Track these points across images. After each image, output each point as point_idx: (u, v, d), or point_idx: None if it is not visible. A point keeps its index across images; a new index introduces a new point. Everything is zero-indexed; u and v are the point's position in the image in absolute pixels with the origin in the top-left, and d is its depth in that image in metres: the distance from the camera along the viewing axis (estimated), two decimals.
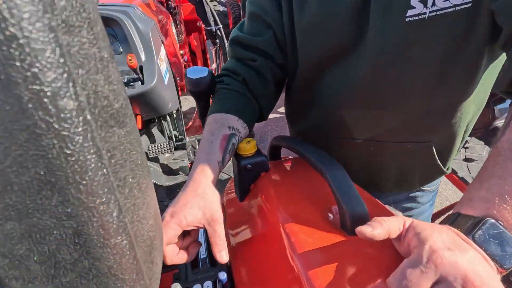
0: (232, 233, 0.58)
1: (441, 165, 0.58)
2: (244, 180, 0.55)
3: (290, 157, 0.70)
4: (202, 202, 0.41)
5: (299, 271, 0.32)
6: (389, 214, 0.40)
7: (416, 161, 0.58)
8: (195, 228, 0.41)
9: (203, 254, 0.56)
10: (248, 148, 0.54)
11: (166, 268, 0.65)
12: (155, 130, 1.49)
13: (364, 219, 0.35)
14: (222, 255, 0.39)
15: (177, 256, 0.41)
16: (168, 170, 1.45)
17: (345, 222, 0.36)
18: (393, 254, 0.31)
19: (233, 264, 0.51)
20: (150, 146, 1.36)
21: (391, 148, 0.57)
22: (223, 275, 0.39)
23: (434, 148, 0.56)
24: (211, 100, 0.62)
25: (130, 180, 0.18)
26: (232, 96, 0.57)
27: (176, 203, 0.41)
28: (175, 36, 1.85)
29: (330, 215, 0.40)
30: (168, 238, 0.39)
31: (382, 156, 0.59)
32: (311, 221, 0.39)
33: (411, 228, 0.29)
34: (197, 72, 0.57)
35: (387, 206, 0.45)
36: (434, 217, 1.21)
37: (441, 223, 0.32)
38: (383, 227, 0.29)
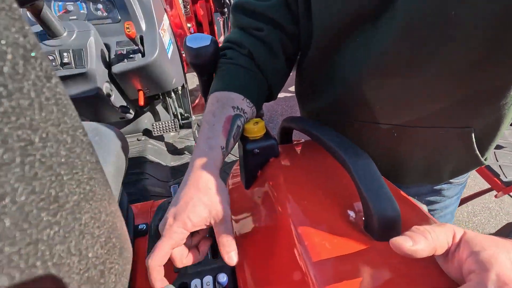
0: (235, 222, 0.53)
1: (479, 155, 0.50)
2: (251, 165, 0.49)
3: (302, 140, 0.63)
4: (206, 198, 0.36)
5: (313, 285, 0.26)
6: (424, 217, 0.33)
7: (449, 150, 0.50)
8: (203, 228, 0.37)
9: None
10: (255, 130, 0.47)
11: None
12: (159, 108, 1.43)
13: (395, 224, 0.28)
14: (231, 257, 0.35)
15: (187, 257, 0.38)
16: (173, 150, 1.41)
17: (371, 224, 0.30)
18: (434, 271, 0.25)
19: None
20: (155, 124, 1.31)
21: (420, 134, 0.49)
22: (223, 277, 0.34)
23: (473, 135, 0.47)
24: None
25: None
26: (237, 71, 0.49)
27: (177, 201, 0.36)
28: (181, 6, 1.72)
29: (351, 213, 0.34)
30: (175, 242, 0.35)
31: (408, 144, 0.51)
32: (328, 220, 0.33)
33: (464, 242, 0.22)
34: (198, 40, 0.49)
35: (415, 201, 0.38)
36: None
37: (496, 234, 0.25)
38: (428, 241, 0.22)
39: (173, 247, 0.35)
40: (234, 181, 0.64)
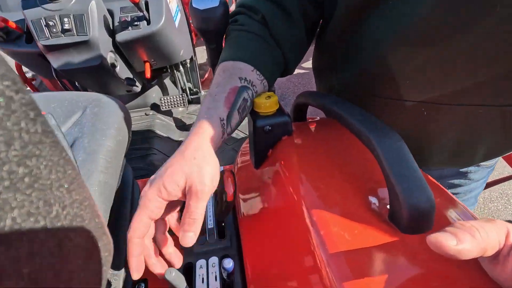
0: (243, 203, 0.50)
1: None
2: (261, 144, 0.45)
3: (318, 118, 0.58)
4: (187, 167, 0.32)
5: (330, 282, 0.23)
6: (461, 209, 0.29)
7: (486, 130, 0.45)
8: (180, 199, 0.32)
9: (210, 224, 0.50)
10: (267, 105, 0.42)
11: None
12: (167, 81, 1.38)
13: (429, 216, 0.24)
14: (186, 237, 0.30)
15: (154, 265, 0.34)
16: (181, 125, 1.38)
17: (398, 214, 0.26)
18: (474, 273, 0.21)
19: (244, 241, 0.44)
20: (163, 99, 1.27)
21: (452, 113, 0.44)
22: (228, 263, 0.32)
23: None
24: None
25: None
26: (248, 40, 0.44)
27: (160, 168, 0.33)
28: None
29: (373, 199, 0.30)
30: (151, 211, 0.31)
31: (438, 123, 0.46)
32: (347, 207, 0.29)
33: None
34: (206, 0, 0.43)
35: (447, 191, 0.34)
36: None
37: None
38: (476, 240, 0.18)
39: (150, 218, 0.31)
40: (243, 159, 0.61)
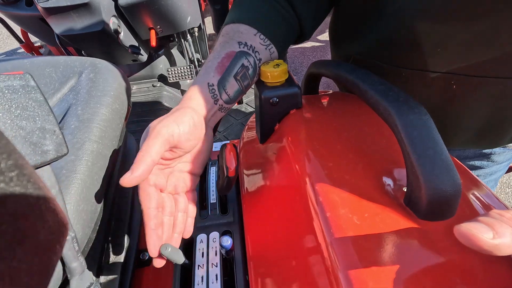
0: (247, 178, 0.48)
1: None
2: (267, 117, 0.42)
3: (331, 91, 0.53)
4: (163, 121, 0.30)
5: (334, 269, 0.21)
6: (491, 197, 0.26)
7: None
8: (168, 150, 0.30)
9: (212, 199, 0.48)
10: (275, 74, 0.38)
11: None
12: (175, 51, 1.33)
13: (453, 203, 0.21)
14: (135, 171, 0.27)
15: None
16: None
17: (416, 198, 0.23)
18: (500, 268, 0.19)
19: (245, 217, 0.42)
20: (170, 70, 1.23)
21: (483, 87, 0.39)
22: (226, 241, 0.30)
23: None
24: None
25: None
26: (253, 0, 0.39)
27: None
28: None
29: (388, 180, 0.27)
30: (165, 139, 0.29)
31: (466, 99, 0.41)
32: (357, 187, 0.26)
33: None
34: None
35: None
36: None
37: None
38: None
39: (162, 148, 0.29)
40: (249, 134, 0.58)
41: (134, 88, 1.23)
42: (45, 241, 0.08)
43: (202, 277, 0.36)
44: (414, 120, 0.23)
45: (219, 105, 0.36)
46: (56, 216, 0.09)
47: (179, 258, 0.32)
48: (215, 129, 0.41)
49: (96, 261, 0.39)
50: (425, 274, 0.19)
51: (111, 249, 0.45)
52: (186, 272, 0.38)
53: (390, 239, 0.21)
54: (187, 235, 0.34)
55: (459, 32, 0.34)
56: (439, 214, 0.22)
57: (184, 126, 0.30)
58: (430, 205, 0.21)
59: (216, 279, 0.36)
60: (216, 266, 0.37)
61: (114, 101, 0.37)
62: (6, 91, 0.19)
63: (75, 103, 0.35)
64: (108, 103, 0.36)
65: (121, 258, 0.44)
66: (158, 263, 0.30)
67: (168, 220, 0.32)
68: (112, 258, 0.44)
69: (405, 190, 0.25)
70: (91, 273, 0.28)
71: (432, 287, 0.18)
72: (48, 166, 0.23)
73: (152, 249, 0.29)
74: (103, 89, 0.37)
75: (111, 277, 0.42)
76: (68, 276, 0.26)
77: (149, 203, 0.29)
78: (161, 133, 0.28)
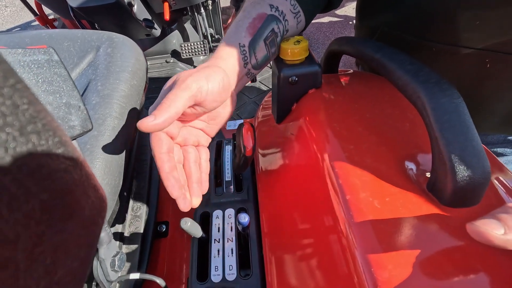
0: (262, 158, 0.48)
1: None
2: (285, 96, 0.41)
3: (351, 70, 0.51)
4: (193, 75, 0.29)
5: (352, 252, 0.21)
6: None
7: None
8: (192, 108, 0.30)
9: (227, 176, 0.49)
10: (296, 51, 0.37)
11: None
12: (188, 26, 1.30)
13: (479, 191, 0.21)
14: (158, 117, 0.26)
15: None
16: None
17: (440, 185, 0.22)
18: None
19: (260, 195, 0.43)
20: (183, 45, 1.20)
21: None
22: (244, 218, 0.31)
23: None
24: None
25: None
26: None
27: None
28: None
29: (411, 165, 0.26)
30: (192, 94, 0.27)
31: (499, 79, 0.38)
32: (378, 171, 0.26)
33: None
34: None
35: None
36: None
37: None
38: None
39: (188, 102, 0.27)
40: (264, 113, 0.57)
41: (147, 64, 1.23)
42: (90, 215, 0.09)
43: (218, 250, 0.38)
44: (446, 104, 0.22)
45: (247, 69, 0.34)
46: (97, 192, 0.09)
47: (197, 232, 0.33)
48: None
49: (119, 231, 0.42)
50: (446, 260, 0.19)
51: (131, 221, 0.47)
52: (203, 245, 0.39)
53: (411, 224, 0.21)
54: (204, 190, 0.33)
55: (502, 3, 0.31)
56: (464, 202, 0.22)
57: (213, 85, 0.29)
58: (456, 192, 0.21)
59: (232, 253, 0.37)
60: (232, 241, 0.38)
61: (132, 77, 0.37)
62: (33, 66, 0.20)
63: (94, 79, 0.35)
64: (127, 79, 0.36)
65: (140, 229, 0.47)
66: (182, 206, 0.30)
67: (179, 167, 0.32)
68: (133, 229, 0.46)
69: (429, 175, 0.25)
70: (116, 242, 0.29)
71: (452, 274, 0.18)
72: (74, 141, 0.24)
73: (172, 191, 0.29)
74: (121, 64, 0.37)
75: (132, 247, 0.45)
76: (97, 245, 0.27)
77: (160, 147, 0.28)
78: (190, 87, 0.27)
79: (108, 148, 0.30)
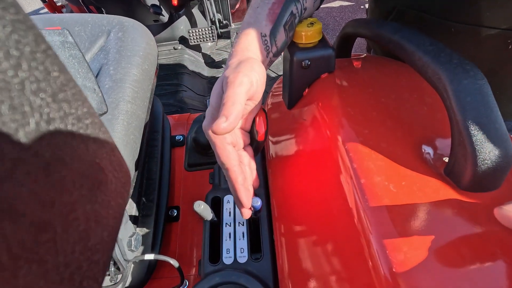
0: (273, 144, 0.48)
1: None
2: (297, 81, 0.40)
3: (365, 54, 0.50)
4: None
5: (367, 237, 0.21)
6: None
7: None
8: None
9: None
10: (309, 34, 0.36)
11: (202, 165, 0.63)
12: (196, 12, 1.28)
13: (500, 175, 0.20)
14: (229, 118, 0.26)
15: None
16: (210, 62, 1.32)
17: (459, 168, 0.22)
18: None
19: (271, 181, 0.43)
20: (191, 31, 1.19)
21: None
22: (256, 201, 0.31)
23: None
24: None
25: None
26: None
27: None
28: None
29: (428, 149, 0.26)
30: (248, 88, 0.27)
31: None
32: (394, 155, 0.25)
33: None
34: None
35: None
36: None
37: None
38: None
39: (245, 98, 0.27)
40: (274, 100, 0.57)
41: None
42: (116, 188, 0.09)
43: (230, 234, 0.38)
44: (469, 85, 0.21)
45: (269, 58, 0.33)
46: (122, 166, 0.10)
47: (208, 215, 0.33)
48: None
49: (132, 215, 0.43)
50: (463, 245, 0.19)
51: (144, 205, 0.48)
52: (214, 228, 0.40)
53: (427, 208, 0.21)
54: (257, 185, 0.34)
55: None
56: (484, 186, 0.21)
57: (260, 76, 0.29)
58: (476, 176, 0.21)
59: (243, 236, 0.38)
60: (243, 225, 0.39)
61: (144, 62, 0.37)
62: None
63: (106, 63, 0.35)
64: (138, 63, 0.36)
65: (152, 213, 0.48)
66: (247, 214, 0.31)
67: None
68: (146, 212, 0.48)
69: (446, 160, 0.24)
70: (132, 224, 0.30)
71: (471, 259, 0.18)
72: None
73: (246, 202, 0.30)
74: (132, 49, 0.37)
75: (146, 229, 0.46)
76: None
77: (232, 161, 0.29)
78: (244, 82, 0.27)
79: (123, 132, 0.30)
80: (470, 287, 0.17)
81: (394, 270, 0.18)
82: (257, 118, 0.36)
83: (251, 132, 0.37)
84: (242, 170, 0.30)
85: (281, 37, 0.33)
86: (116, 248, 0.28)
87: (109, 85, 0.32)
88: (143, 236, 0.46)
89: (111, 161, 0.09)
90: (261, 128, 0.36)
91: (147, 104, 0.36)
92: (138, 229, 0.46)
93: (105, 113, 0.24)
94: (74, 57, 0.21)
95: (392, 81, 0.36)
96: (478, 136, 0.20)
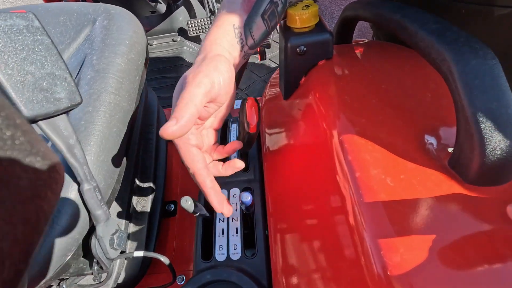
0: (269, 136, 0.46)
1: None
2: (293, 69, 0.38)
3: (366, 40, 0.47)
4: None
5: (361, 232, 0.19)
6: None
7: None
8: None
9: (233, 156, 0.48)
10: (304, 17, 0.33)
11: None
12: (195, 1, 1.25)
13: (510, 168, 0.18)
14: (180, 120, 0.24)
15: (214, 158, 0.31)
16: None
17: (465, 160, 0.19)
18: None
19: (266, 175, 0.41)
20: (190, 22, 1.16)
21: None
22: (246, 197, 0.30)
23: None
24: None
25: None
26: None
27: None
28: None
29: (431, 139, 0.24)
30: (206, 90, 0.26)
31: None
32: (393, 146, 0.23)
33: None
34: None
35: None
36: None
37: None
38: None
39: (204, 99, 0.26)
40: (272, 91, 0.54)
41: (154, 43, 1.20)
42: (31, 186, 0.07)
43: (223, 230, 0.37)
44: (477, 66, 0.19)
45: (244, 51, 0.31)
46: (43, 160, 0.08)
47: (199, 211, 0.32)
48: (238, 81, 0.38)
49: (124, 210, 0.42)
50: (469, 245, 0.17)
51: (137, 201, 0.47)
52: (208, 224, 0.39)
53: (428, 204, 0.19)
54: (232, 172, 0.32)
55: None
56: (492, 180, 0.19)
57: (224, 77, 0.27)
58: (483, 168, 0.18)
59: (236, 232, 0.36)
60: (236, 220, 0.37)
61: (130, 51, 0.35)
62: (9, 31, 0.18)
63: (90, 53, 0.34)
64: (123, 52, 0.34)
65: (147, 208, 0.47)
66: (227, 212, 0.30)
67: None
68: (139, 208, 0.46)
69: (451, 150, 0.22)
70: (116, 221, 0.29)
71: (477, 261, 0.16)
72: (64, 115, 0.22)
73: (217, 205, 0.29)
74: (117, 37, 0.35)
75: (139, 226, 0.45)
76: (94, 223, 0.27)
77: (197, 164, 0.28)
78: (203, 83, 0.25)
79: (104, 124, 0.28)
80: None
81: (388, 272, 0.17)
82: (248, 109, 0.34)
83: (242, 124, 0.35)
84: (209, 172, 0.29)
85: (259, 28, 0.30)
86: (98, 247, 0.27)
87: (91, 76, 0.31)
88: (136, 232, 0.45)
89: (24, 154, 0.07)
90: (252, 120, 0.34)
91: (134, 95, 0.35)
92: (131, 225, 0.45)
93: (79, 103, 0.22)
94: (41, 43, 0.20)
95: (394, 67, 0.34)
96: (487, 123, 0.18)
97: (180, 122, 0.24)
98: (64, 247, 0.23)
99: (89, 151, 0.26)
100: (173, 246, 0.54)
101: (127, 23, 0.38)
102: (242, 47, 0.30)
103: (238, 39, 0.30)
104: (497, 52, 0.36)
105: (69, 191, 0.24)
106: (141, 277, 0.44)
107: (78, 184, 0.24)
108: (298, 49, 0.35)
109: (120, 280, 0.39)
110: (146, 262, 0.44)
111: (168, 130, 0.23)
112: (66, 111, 0.22)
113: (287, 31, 0.35)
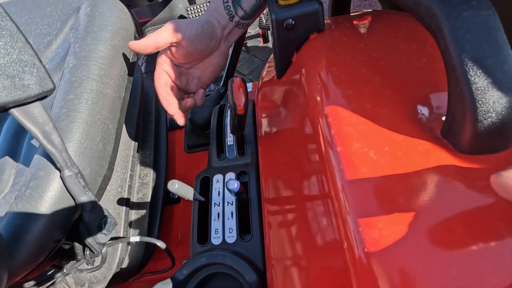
0: (264, 119, 0.45)
1: None
2: (283, 46, 0.36)
3: (363, 10, 0.44)
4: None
5: (344, 213, 0.18)
6: None
7: None
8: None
9: (230, 141, 0.47)
10: None
11: (201, 146, 0.61)
12: None
13: (508, 131, 0.16)
14: (140, 41, 0.33)
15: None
16: None
17: (458, 127, 0.17)
18: None
19: (261, 159, 0.40)
20: (190, 9, 1.14)
21: None
22: (233, 184, 0.29)
23: None
24: None
25: None
26: None
27: None
28: None
29: (423, 109, 0.22)
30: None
31: None
32: (382, 118, 0.21)
33: None
34: None
35: None
36: None
37: None
38: None
39: (169, 38, 0.33)
40: (268, 72, 0.52)
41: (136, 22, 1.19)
42: None
43: (218, 214, 0.37)
44: (469, 18, 0.17)
45: (235, 21, 0.36)
46: None
47: (188, 194, 0.32)
48: (239, 47, 0.44)
49: (124, 198, 0.42)
50: (456, 219, 0.15)
51: (139, 188, 0.48)
52: (204, 209, 0.39)
53: (413, 176, 0.17)
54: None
55: None
56: (487, 147, 0.17)
57: (192, 29, 0.34)
58: (477, 134, 0.16)
59: (232, 216, 0.36)
60: (232, 204, 0.37)
61: (113, 37, 0.35)
62: None
63: (74, 41, 0.33)
64: (106, 38, 0.33)
65: (148, 196, 0.47)
66: (180, 121, 0.38)
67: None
68: (141, 196, 0.47)
69: (445, 119, 0.20)
70: (104, 208, 0.29)
71: (465, 238, 0.15)
72: (38, 103, 0.22)
73: (169, 108, 0.36)
74: (99, 23, 0.34)
75: (141, 213, 0.46)
76: (81, 210, 0.27)
77: (159, 80, 0.35)
78: (171, 25, 0.33)
79: (86, 112, 0.28)
80: (461, 269, 0.14)
81: (366, 249, 0.15)
82: (235, 90, 0.33)
83: (230, 106, 0.34)
84: (167, 88, 0.36)
85: (249, 0, 0.35)
86: (85, 232, 0.28)
87: (73, 63, 0.30)
88: (138, 219, 0.46)
89: None
90: (240, 101, 0.33)
91: (120, 82, 0.34)
92: (133, 212, 0.46)
93: (52, 89, 0.22)
94: (4, 28, 0.19)
95: (390, 34, 0.31)
96: (479, 83, 0.16)
97: (139, 42, 0.32)
98: (51, 233, 0.23)
99: (71, 138, 0.26)
100: (178, 232, 0.55)
101: (109, 8, 0.37)
102: (232, 17, 0.36)
103: (227, 11, 0.35)
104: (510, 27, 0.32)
105: (51, 178, 0.25)
106: (146, 263, 0.45)
107: (60, 170, 0.25)
108: (285, 24, 0.33)
109: (124, 265, 0.40)
110: (150, 249, 0.45)
111: (132, 43, 0.32)
112: (39, 98, 0.22)
113: (272, 4, 0.33)
